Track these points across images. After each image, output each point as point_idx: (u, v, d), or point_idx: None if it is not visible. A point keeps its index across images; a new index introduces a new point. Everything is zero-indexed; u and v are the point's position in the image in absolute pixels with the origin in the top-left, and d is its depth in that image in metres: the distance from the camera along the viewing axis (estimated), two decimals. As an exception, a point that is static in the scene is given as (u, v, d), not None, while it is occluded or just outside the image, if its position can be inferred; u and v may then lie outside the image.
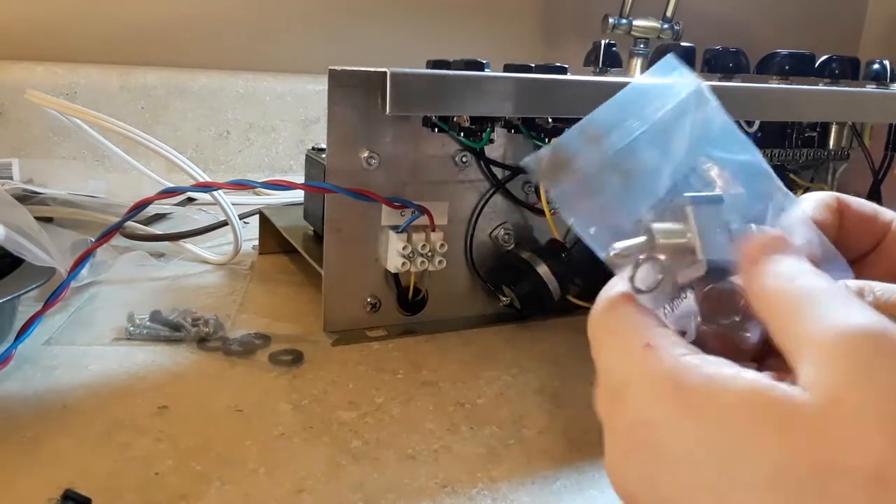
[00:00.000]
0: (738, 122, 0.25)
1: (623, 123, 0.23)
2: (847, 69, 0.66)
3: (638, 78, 0.24)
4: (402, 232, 0.48)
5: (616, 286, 0.23)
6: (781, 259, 0.21)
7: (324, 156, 0.53)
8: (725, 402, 0.18)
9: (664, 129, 0.23)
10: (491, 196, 0.52)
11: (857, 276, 0.25)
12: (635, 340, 0.21)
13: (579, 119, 0.41)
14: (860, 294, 0.23)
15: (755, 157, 0.24)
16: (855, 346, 0.18)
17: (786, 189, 0.24)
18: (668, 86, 0.24)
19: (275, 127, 0.99)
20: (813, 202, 0.27)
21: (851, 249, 0.26)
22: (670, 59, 0.25)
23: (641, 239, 0.22)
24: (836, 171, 0.69)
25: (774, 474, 0.17)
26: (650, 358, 0.21)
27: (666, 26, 0.86)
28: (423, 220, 0.49)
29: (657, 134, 0.23)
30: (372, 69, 0.44)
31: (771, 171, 0.24)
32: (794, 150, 0.64)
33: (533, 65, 0.55)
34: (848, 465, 0.17)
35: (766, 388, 0.18)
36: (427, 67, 0.59)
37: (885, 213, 0.27)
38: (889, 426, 0.17)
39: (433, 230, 0.49)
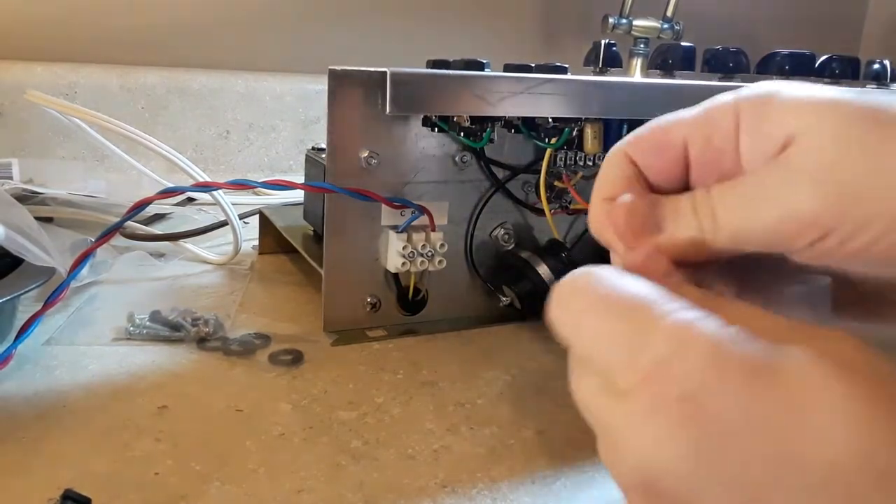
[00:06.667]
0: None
1: None
2: (847, 69, 0.66)
3: None
4: (402, 232, 0.48)
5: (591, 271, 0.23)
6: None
7: (324, 156, 0.53)
8: (782, 372, 0.18)
9: None
10: (491, 196, 0.52)
11: None
12: (657, 316, 0.20)
13: (579, 119, 0.41)
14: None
15: None
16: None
17: None
18: None
19: (275, 127, 0.99)
20: (605, 164, 0.26)
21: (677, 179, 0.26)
22: None
23: None
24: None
25: (856, 429, 0.17)
26: (688, 332, 0.20)
27: (666, 26, 0.86)
28: (423, 220, 0.49)
29: None
30: (372, 69, 0.44)
31: None
32: (794, 150, 0.64)
33: (533, 65, 0.55)
34: None
35: (820, 356, 0.18)
36: (427, 67, 0.59)
37: (676, 124, 0.26)
38: None
39: (433, 230, 0.49)
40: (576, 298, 0.23)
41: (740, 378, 0.19)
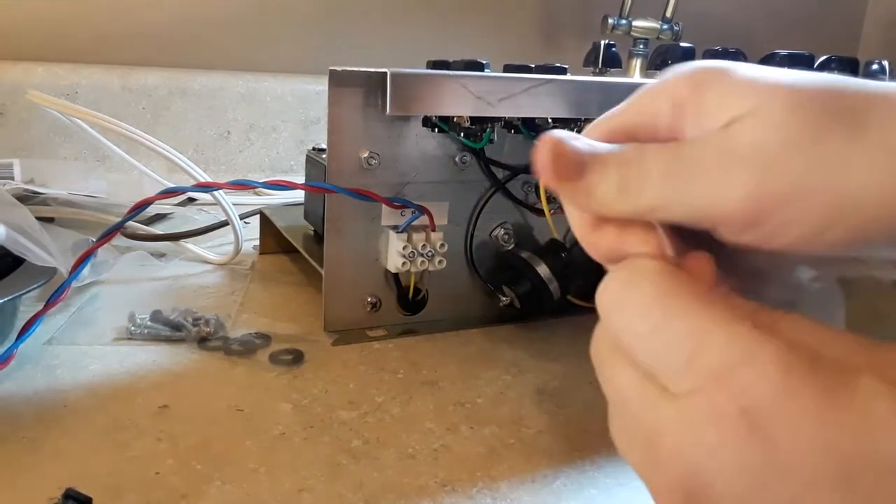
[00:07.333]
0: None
1: None
2: (846, 69, 0.66)
3: None
4: (402, 232, 0.48)
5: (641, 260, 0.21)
6: None
7: (324, 156, 0.53)
8: (852, 397, 0.18)
9: None
10: (491, 196, 0.52)
11: None
12: (725, 320, 0.19)
13: (579, 119, 0.41)
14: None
15: None
16: None
17: None
18: None
19: (275, 127, 1.00)
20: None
21: None
22: None
23: None
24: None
25: None
26: (759, 340, 0.18)
27: (665, 27, 0.86)
28: (423, 220, 0.49)
29: None
30: (372, 69, 0.45)
31: None
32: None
33: (533, 65, 0.56)
34: None
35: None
36: (427, 67, 0.59)
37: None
38: None
39: (433, 230, 0.49)
40: (636, 288, 0.21)
41: (812, 398, 0.18)
